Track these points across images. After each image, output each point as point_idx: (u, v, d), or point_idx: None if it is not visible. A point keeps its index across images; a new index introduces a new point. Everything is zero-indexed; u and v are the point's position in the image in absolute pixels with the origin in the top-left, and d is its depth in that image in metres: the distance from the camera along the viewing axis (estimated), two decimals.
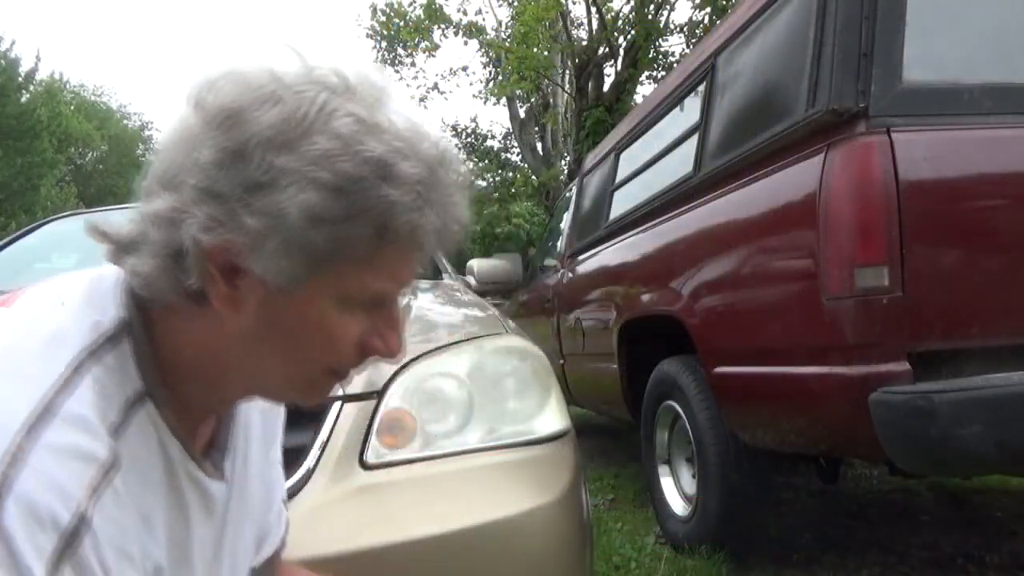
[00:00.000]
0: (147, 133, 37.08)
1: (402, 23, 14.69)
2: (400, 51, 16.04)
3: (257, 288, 0.56)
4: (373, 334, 0.61)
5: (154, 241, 0.56)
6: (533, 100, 15.20)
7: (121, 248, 0.58)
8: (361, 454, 1.21)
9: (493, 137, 19.39)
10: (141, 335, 0.59)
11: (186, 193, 0.54)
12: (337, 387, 1.22)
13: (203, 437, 0.67)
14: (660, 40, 12.43)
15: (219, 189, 0.53)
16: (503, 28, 15.25)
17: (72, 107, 31.76)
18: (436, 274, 2.67)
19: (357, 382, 1.26)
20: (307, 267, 0.55)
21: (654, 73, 12.94)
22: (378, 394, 1.27)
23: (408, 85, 26.48)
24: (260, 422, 0.77)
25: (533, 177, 15.22)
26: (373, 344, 0.61)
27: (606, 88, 12.30)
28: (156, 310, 0.59)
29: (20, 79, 22.17)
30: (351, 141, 0.53)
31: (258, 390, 0.65)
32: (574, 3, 12.88)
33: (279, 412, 0.82)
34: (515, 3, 13.61)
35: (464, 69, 21.29)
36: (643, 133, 3.29)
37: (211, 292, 0.56)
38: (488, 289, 3.03)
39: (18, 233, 2.78)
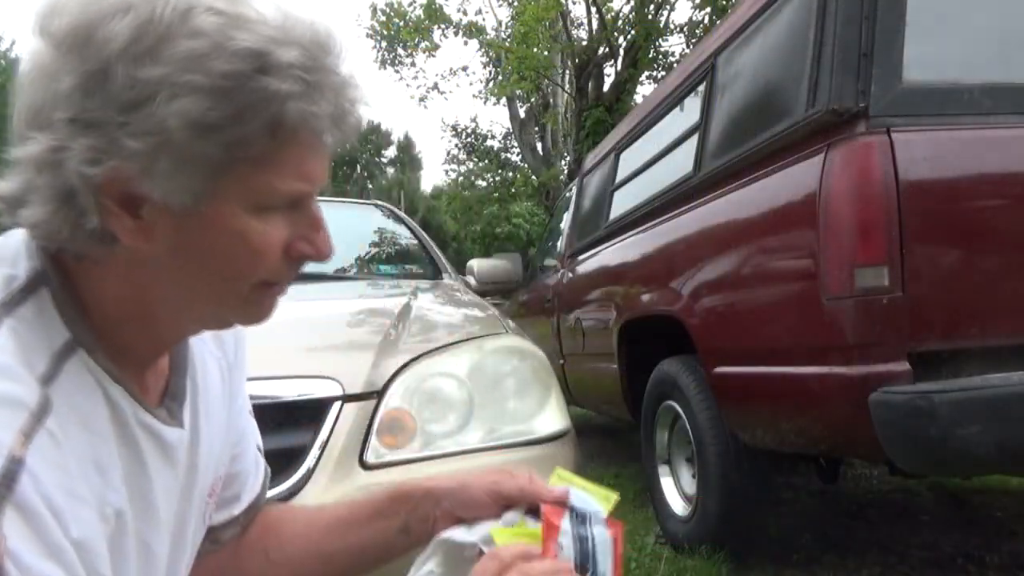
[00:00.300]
0: None
1: (402, 23, 14.69)
2: (400, 51, 16.04)
3: (163, 213, 0.53)
4: (297, 239, 0.60)
5: (40, 187, 0.53)
6: (533, 100, 15.21)
7: (11, 204, 0.55)
8: (361, 454, 1.21)
9: (493, 137, 19.39)
10: (59, 285, 0.57)
11: (59, 129, 0.51)
12: (337, 387, 1.24)
13: (156, 386, 0.65)
14: (660, 40, 12.43)
15: (91, 117, 0.50)
16: (503, 28, 15.27)
17: None
18: (436, 274, 2.68)
19: (357, 382, 1.27)
20: (207, 180, 0.53)
21: (654, 73, 12.94)
22: (378, 394, 1.27)
23: (408, 85, 26.59)
24: (219, 372, 0.76)
25: (533, 177, 15.22)
26: (300, 248, 0.60)
27: (606, 88, 12.30)
28: (71, 260, 0.57)
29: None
30: (218, 37, 0.50)
31: (195, 321, 0.63)
32: (574, 3, 12.90)
33: (241, 361, 0.82)
34: (515, 3, 13.61)
35: (464, 69, 21.33)
36: (643, 133, 3.29)
37: (116, 228, 0.54)
38: (488, 289, 3.03)
39: None
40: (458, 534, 0.72)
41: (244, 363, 0.83)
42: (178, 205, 0.53)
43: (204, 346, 0.74)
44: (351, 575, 0.84)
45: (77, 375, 0.56)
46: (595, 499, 0.74)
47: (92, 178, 0.51)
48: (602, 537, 0.70)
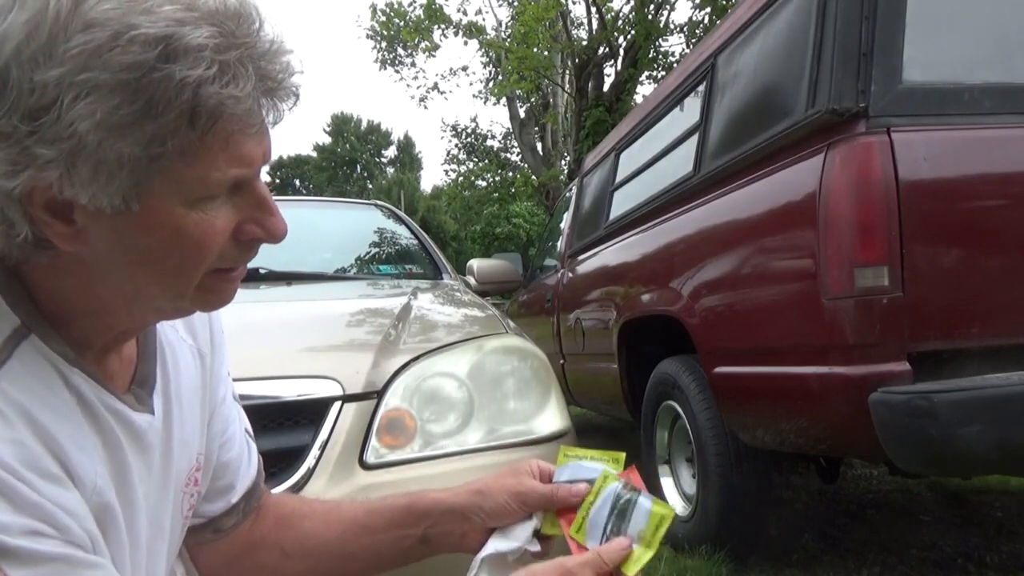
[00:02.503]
0: None
1: (402, 23, 14.70)
2: (400, 51, 16.05)
3: (96, 217, 0.51)
4: (246, 222, 0.57)
5: None
6: (533, 100, 15.21)
7: None
8: (361, 454, 1.21)
9: (493, 137, 19.41)
10: (5, 279, 0.56)
11: None
12: (337, 387, 1.24)
13: (123, 372, 0.65)
14: (660, 40, 12.43)
15: None
16: (503, 28, 15.27)
17: None
18: (436, 274, 2.67)
19: (357, 382, 1.27)
20: (134, 180, 0.50)
21: (654, 73, 12.95)
22: (378, 394, 1.27)
23: (408, 85, 26.62)
24: (192, 358, 0.75)
25: (533, 177, 15.22)
26: (250, 232, 0.58)
27: (606, 88, 12.31)
28: (15, 264, 0.56)
29: None
30: (116, 26, 0.46)
31: (153, 312, 0.61)
32: (574, 3, 12.91)
33: (219, 347, 0.81)
34: (515, 3, 13.61)
35: (464, 69, 21.40)
36: (643, 133, 3.29)
37: (50, 235, 0.52)
38: (488, 289, 3.03)
39: None
40: (499, 545, 0.74)
41: (223, 349, 0.83)
42: (109, 208, 0.51)
43: (174, 333, 0.74)
44: (368, 574, 0.84)
45: (30, 359, 0.55)
46: (607, 465, 0.77)
47: (12, 190, 0.49)
48: (643, 504, 0.74)
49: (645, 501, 0.73)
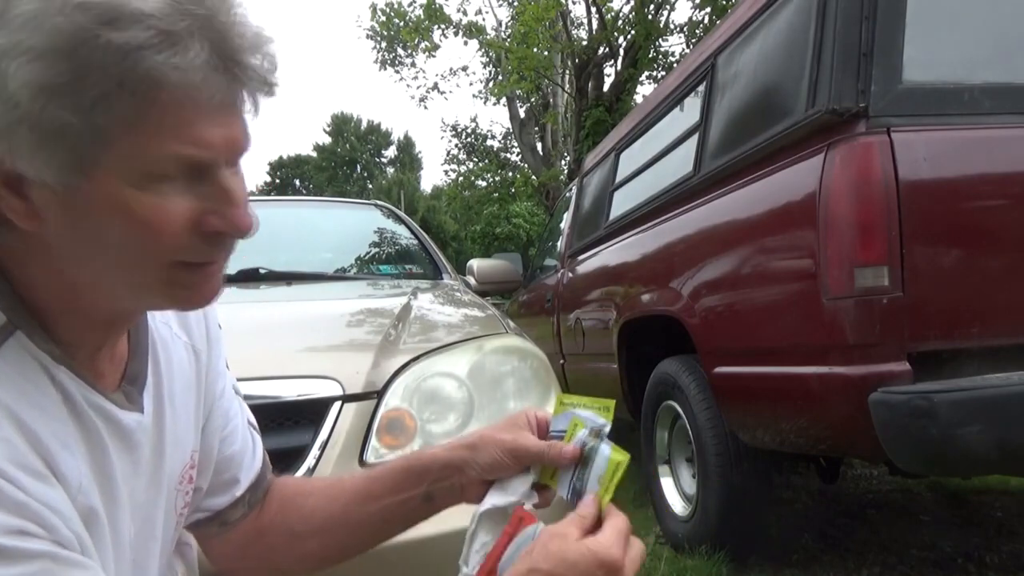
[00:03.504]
0: None
1: (402, 23, 14.70)
2: (400, 51, 16.05)
3: (46, 193, 0.51)
4: (209, 214, 0.55)
5: None
6: (533, 100, 15.22)
7: None
8: (361, 454, 1.21)
9: (493, 137, 19.41)
10: None
11: None
12: (337, 387, 1.24)
13: (113, 370, 0.65)
14: (660, 40, 12.43)
15: None
16: (503, 28, 15.27)
17: None
18: (436, 274, 2.68)
19: (357, 382, 1.27)
20: (75, 152, 0.49)
21: (654, 73, 12.95)
22: (378, 394, 1.27)
23: (408, 85, 26.62)
24: (187, 355, 0.75)
25: (533, 177, 15.23)
26: (211, 223, 0.55)
27: (606, 88, 12.31)
28: None
29: None
30: None
31: (130, 305, 0.60)
32: (574, 3, 12.91)
33: (215, 342, 0.81)
34: (515, 3, 13.61)
35: (464, 69, 21.41)
36: (643, 133, 3.29)
37: (7, 211, 0.52)
38: (488, 289, 3.03)
39: None
40: (496, 499, 0.75)
41: (219, 344, 0.83)
42: (56, 182, 0.50)
43: (168, 330, 0.74)
44: (378, 540, 0.85)
45: (16, 356, 0.55)
46: (597, 413, 0.78)
47: None
48: (603, 451, 0.75)
49: (605, 448, 0.75)
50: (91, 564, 0.54)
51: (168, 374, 0.71)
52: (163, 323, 0.73)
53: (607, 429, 0.77)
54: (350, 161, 48.99)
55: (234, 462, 0.82)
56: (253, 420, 0.88)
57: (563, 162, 14.32)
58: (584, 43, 12.62)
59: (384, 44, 15.93)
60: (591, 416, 0.78)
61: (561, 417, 0.80)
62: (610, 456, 0.75)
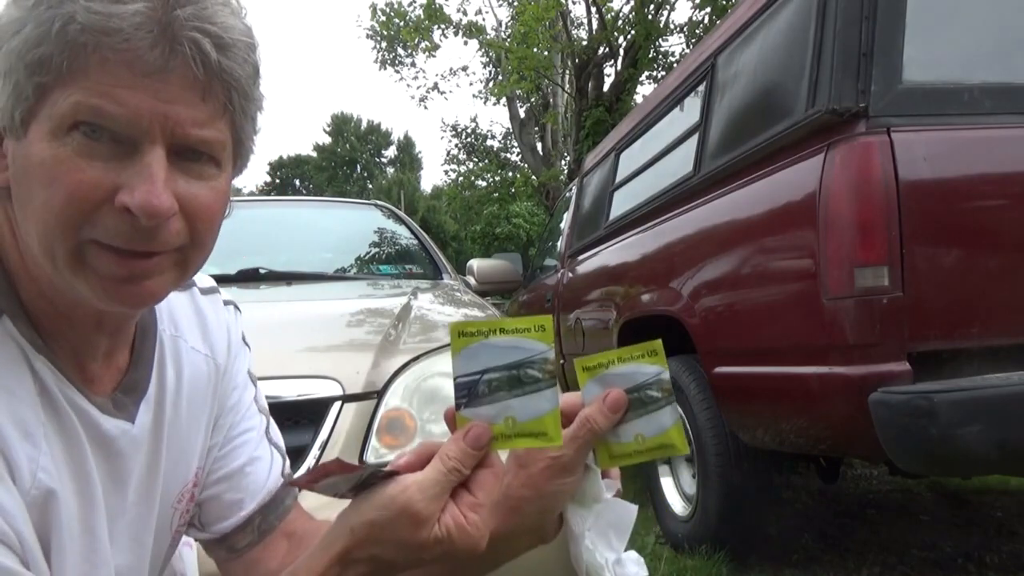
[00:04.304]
0: None
1: (402, 23, 14.70)
2: (400, 51, 16.06)
3: (5, 141, 0.54)
4: (123, 188, 0.52)
5: None
6: (533, 100, 15.22)
7: None
8: (361, 454, 1.21)
9: (493, 137, 19.42)
10: None
11: None
12: (337, 387, 1.24)
13: (107, 377, 0.63)
14: (660, 40, 12.43)
15: None
16: (503, 28, 15.28)
17: None
18: (436, 274, 2.68)
19: (357, 382, 1.27)
20: (17, 96, 0.51)
21: (654, 73, 12.95)
22: (378, 394, 1.27)
23: (408, 85, 26.63)
24: (207, 369, 0.74)
25: (533, 177, 15.23)
26: (120, 198, 0.52)
27: (606, 88, 12.31)
28: None
29: None
30: None
31: (51, 280, 0.56)
32: (574, 3, 12.91)
33: (237, 357, 0.79)
34: (515, 3, 13.61)
35: (464, 69, 21.43)
36: (643, 133, 3.29)
37: None
38: (488, 289, 3.03)
39: None
40: (602, 546, 0.61)
41: (240, 358, 0.80)
42: (8, 130, 0.53)
43: (182, 343, 0.72)
44: None
45: None
46: (642, 363, 0.59)
47: None
48: (666, 412, 0.58)
49: (671, 415, 0.58)
50: (19, 571, 0.51)
51: (176, 389, 0.69)
52: (180, 338, 0.72)
53: (666, 376, 0.58)
54: (350, 161, 48.99)
55: (237, 481, 0.76)
56: (279, 440, 0.83)
57: (563, 162, 14.32)
58: (584, 43, 12.62)
59: (384, 44, 15.94)
60: (638, 370, 0.59)
61: (594, 383, 0.60)
62: (673, 426, 0.57)
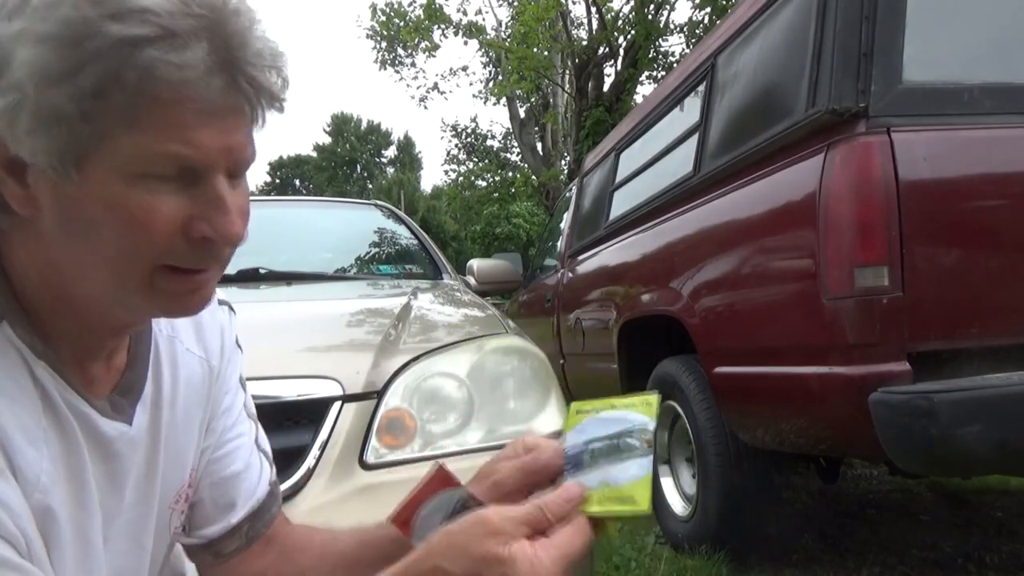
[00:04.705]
0: None
1: (402, 23, 14.70)
2: (400, 51, 16.06)
3: (43, 180, 0.52)
4: (198, 219, 0.54)
5: None
6: (533, 100, 15.22)
7: None
8: (361, 454, 1.21)
9: (493, 137, 19.43)
10: None
11: None
12: (337, 387, 1.24)
13: (106, 379, 0.64)
14: (660, 40, 12.43)
15: None
16: (503, 28, 15.28)
17: None
18: (436, 274, 2.68)
19: (357, 382, 1.27)
20: (70, 140, 0.50)
21: (654, 73, 12.95)
22: (378, 394, 1.27)
23: (408, 85, 26.64)
24: (202, 371, 0.74)
25: (533, 177, 15.23)
26: (199, 229, 0.54)
27: (606, 88, 12.31)
28: None
29: None
30: None
31: (110, 302, 0.58)
32: (574, 3, 12.91)
33: (230, 361, 0.79)
34: (515, 3, 13.61)
35: (464, 69, 21.43)
36: (643, 133, 3.29)
37: (7, 195, 0.53)
38: (488, 289, 3.03)
39: None
40: None
41: (234, 362, 0.81)
42: (51, 169, 0.51)
43: (178, 344, 0.72)
44: None
45: None
46: (634, 411, 0.61)
47: None
48: (643, 459, 0.59)
49: (644, 467, 0.58)
50: (31, 570, 0.52)
51: (171, 390, 0.70)
52: (176, 339, 0.72)
53: (651, 428, 0.60)
54: (350, 161, 48.99)
55: (230, 487, 0.77)
56: (266, 446, 0.84)
57: (563, 162, 14.32)
58: (584, 43, 12.62)
59: (384, 44, 15.94)
60: (627, 417, 0.61)
61: (581, 429, 0.62)
62: (645, 476, 0.57)
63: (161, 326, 0.71)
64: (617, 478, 0.58)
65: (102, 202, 0.52)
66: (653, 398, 0.62)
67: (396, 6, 14.99)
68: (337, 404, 1.23)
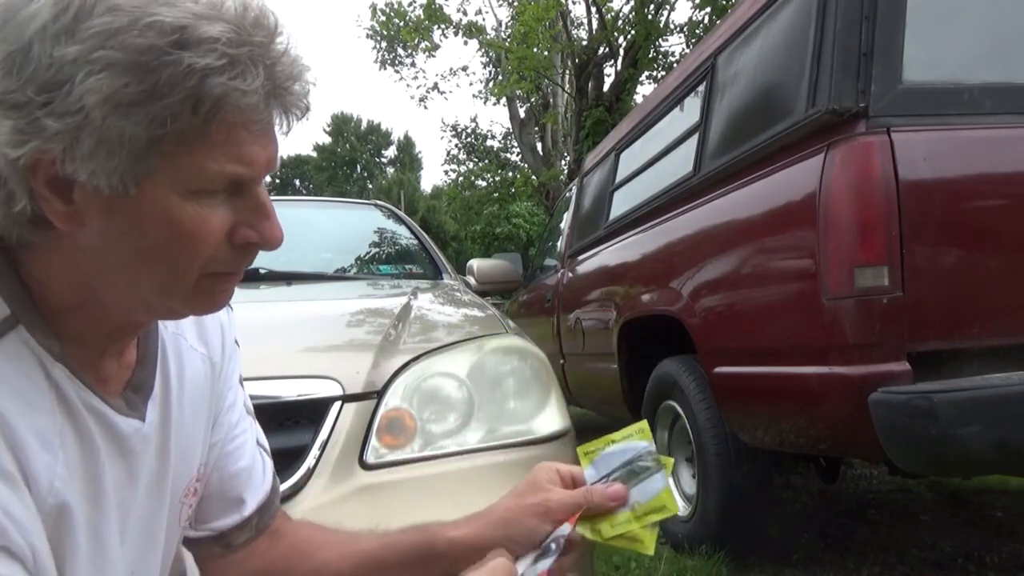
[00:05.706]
0: None
1: (402, 23, 14.70)
2: (400, 51, 16.06)
3: (94, 197, 0.53)
4: (243, 226, 0.58)
5: None
6: (533, 100, 15.21)
7: None
8: (361, 454, 1.21)
9: (493, 137, 19.42)
10: (3, 265, 0.57)
11: None
12: (337, 386, 1.24)
13: (119, 376, 0.65)
14: (660, 40, 12.43)
15: (13, 98, 0.50)
16: (503, 28, 15.28)
17: None
18: (436, 274, 2.67)
19: (357, 382, 1.27)
20: (133, 161, 0.51)
21: (654, 73, 12.95)
22: (378, 394, 1.27)
23: (408, 85, 26.64)
24: (203, 367, 0.75)
25: (533, 177, 15.23)
26: (244, 235, 0.58)
27: (606, 88, 12.30)
28: (15, 244, 0.56)
29: None
30: (137, 13, 0.49)
31: (142, 309, 0.60)
32: (574, 3, 12.91)
33: (231, 357, 0.80)
34: (515, 3, 13.61)
35: (464, 69, 21.44)
36: (643, 133, 3.29)
37: (48, 212, 0.53)
38: (488, 289, 3.03)
39: None
40: (531, 565, 0.70)
41: (235, 359, 0.82)
42: (107, 188, 0.52)
43: (182, 341, 0.73)
44: None
45: (14, 349, 0.55)
46: (634, 440, 0.73)
47: (16, 160, 0.51)
48: (656, 478, 0.71)
49: (661, 480, 0.70)
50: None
51: (178, 385, 0.71)
52: (180, 336, 0.73)
53: (653, 449, 0.72)
54: (350, 161, 48.99)
55: (240, 480, 0.80)
56: (264, 442, 0.86)
57: (563, 162, 14.32)
58: (584, 43, 12.62)
59: (384, 44, 15.94)
60: (629, 447, 0.72)
61: (594, 466, 0.74)
62: (663, 490, 0.69)
63: (166, 323, 0.72)
64: (645, 495, 0.70)
65: (158, 217, 0.54)
66: (643, 424, 0.74)
67: (396, 6, 15.00)
68: (337, 404, 1.23)
